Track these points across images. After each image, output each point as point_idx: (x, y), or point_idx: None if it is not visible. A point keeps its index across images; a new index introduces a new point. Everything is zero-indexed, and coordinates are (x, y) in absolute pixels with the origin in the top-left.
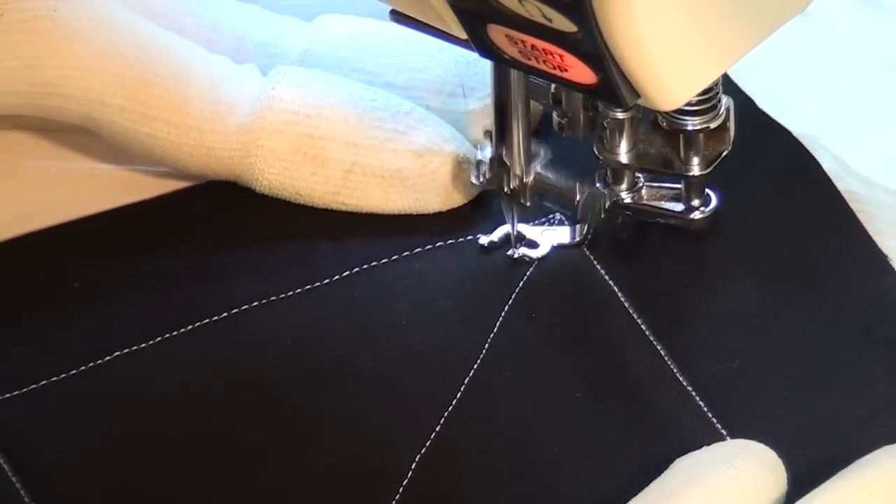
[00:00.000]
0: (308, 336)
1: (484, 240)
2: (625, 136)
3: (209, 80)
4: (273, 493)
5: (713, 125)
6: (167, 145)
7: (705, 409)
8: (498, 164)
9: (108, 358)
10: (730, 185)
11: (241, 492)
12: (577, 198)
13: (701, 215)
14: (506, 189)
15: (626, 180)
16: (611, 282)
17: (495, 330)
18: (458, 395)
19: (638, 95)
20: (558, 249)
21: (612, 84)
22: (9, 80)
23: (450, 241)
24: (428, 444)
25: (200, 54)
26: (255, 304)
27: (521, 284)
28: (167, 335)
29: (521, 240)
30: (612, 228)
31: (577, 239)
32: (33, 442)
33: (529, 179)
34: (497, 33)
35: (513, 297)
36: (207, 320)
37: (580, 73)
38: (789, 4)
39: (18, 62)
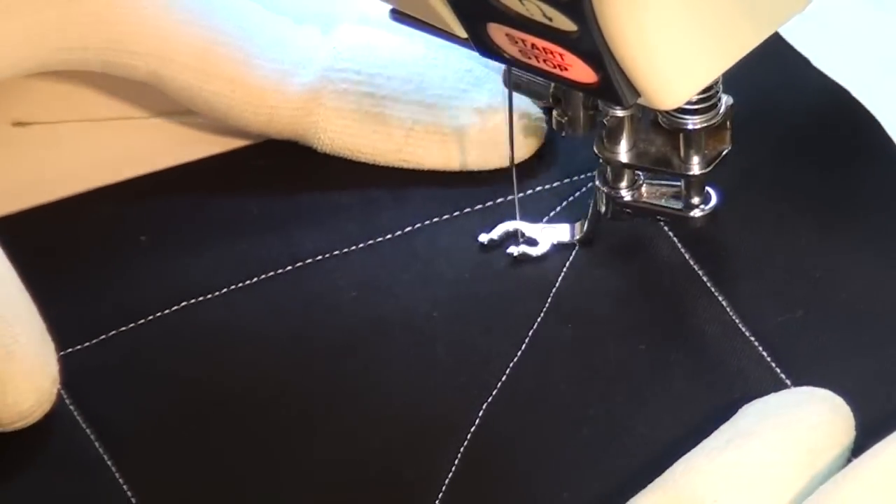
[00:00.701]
0: (371, 289)
1: (483, 237)
2: (625, 134)
3: (273, 40)
4: (340, 441)
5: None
6: (230, 103)
7: (769, 359)
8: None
9: (174, 308)
10: (790, 141)
11: (309, 439)
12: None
13: (701, 213)
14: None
15: (626, 179)
16: (671, 234)
17: (557, 284)
18: (523, 347)
19: (638, 94)
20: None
21: (612, 83)
22: (79, 36)
23: (510, 198)
24: (494, 392)
25: (264, 14)
26: (319, 257)
27: (579, 236)
28: (232, 287)
29: (522, 237)
30: None
31: (577, 237)
32: (103, 392)
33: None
34: (497, 32)
35: (574, 251)
36: (272, 273)
37: (580, 71)
38: (789, 4)
39: (89, 18)
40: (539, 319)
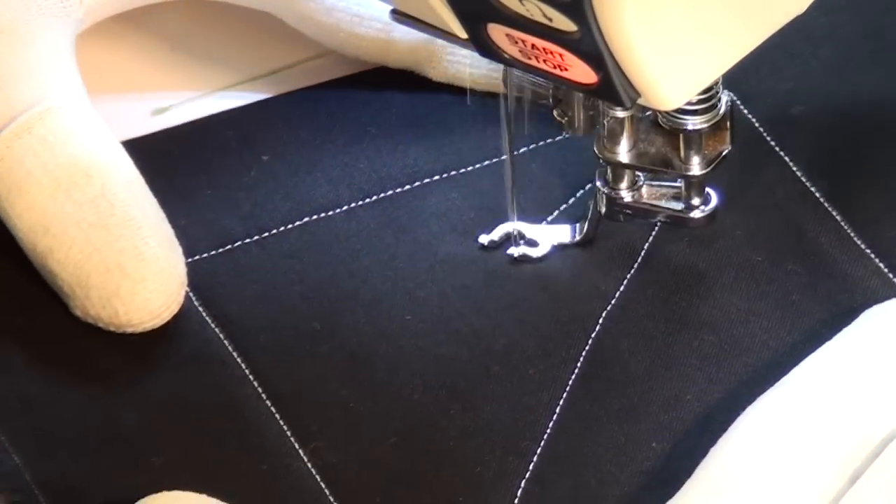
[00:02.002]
0: (488, 209)
1: (484, 238)
2: (625, 135)
3: None
4: (464, 340)
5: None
6: (349, 30)
7: (885, 269)
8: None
9: (297, 223)
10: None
11: (431, 336)
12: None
13: (701, 214)
14: (503, 111)
15: (626, 179)
16: (781, 153)
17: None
18: (639, 260)
19: (638, 95)
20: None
21: (612, 83)
22: None
23: None
24: (612, 302)
25: None
26: (436, 177)
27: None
28: (353, 204)
29: (522, 238)
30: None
31: (578, 238)
32: (230, 295)
33: (528, 97)
34: (497, 33)
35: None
36: (391, 192)
37: (580, 72)
38: (789, 5)
39: None
40: (654, 231)
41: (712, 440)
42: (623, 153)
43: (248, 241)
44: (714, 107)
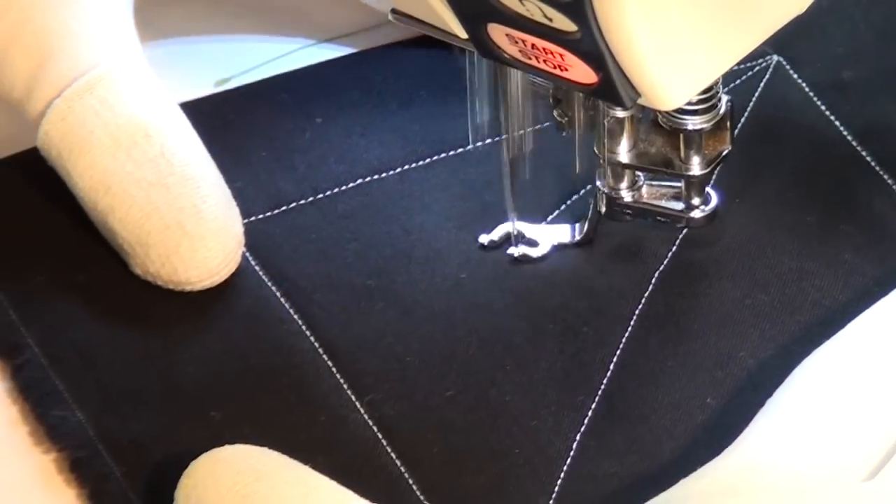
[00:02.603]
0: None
1: (484, 238)
2: (625, 135)
3: None
4: (518, 297)
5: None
6: None
7: None
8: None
9: (350, 185)
10: None
11: (489, 293)
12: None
13: (701, 214)
14: (505, 157)
15: (626, 179)
16: (832, 117)
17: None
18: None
19: (638, 95)
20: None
21: (612, 83)
22: None
23: None
24: (665, 262)
25: None
26: (489, 141)
27: (742, 120)
28: (406, 166)
29: (521, 238)
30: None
31: (578, 238)
32: (286, 255)
33: (529, 147)
34: (497, 33)
35: (739, 126)
36: (444, 154)
37: (580, 72)
38: (789, 4)
39: None
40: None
41: (766, 396)
42: (623, 153)
43: (302, 201)
44: (714, 107)
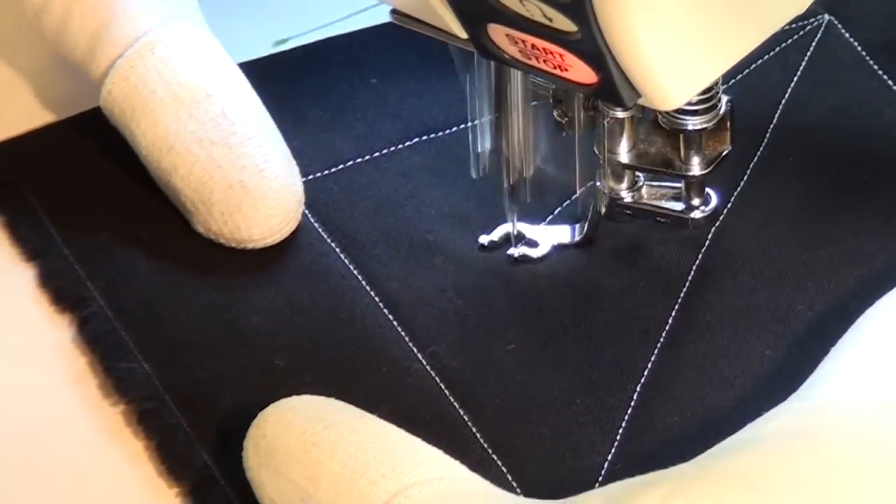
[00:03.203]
0: None
1: (484, 239)
2: (625, 135)
3: None
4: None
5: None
6: None
7: None
8: (498, 156)
9: (408, 143)
10: None
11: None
12: (577, 191)
13: (701, 214)
14: (506, 184)
15: (626, 179)
16: (885, 76)
17: (785, 99)
18: (745, 177)
19: (638, 95)
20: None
21: (612, 84)
22: None
23: None
24: (723, 216)
25: None
26: (535, 104)
27: (794, 80)
28: (463, 126)
29: (521, 239)
30: None
31: (578, 238)
32: (345, 212)
33: (529, 173)
34: (497, 33)
35: (792, 84)
36: (498, 115)
37: (580, 72)
38: (789, 4)
39: None
40: (761, 147)
41: (827, 347)
42: (623, 153)
43: (359, 160)
44: (714, 107)
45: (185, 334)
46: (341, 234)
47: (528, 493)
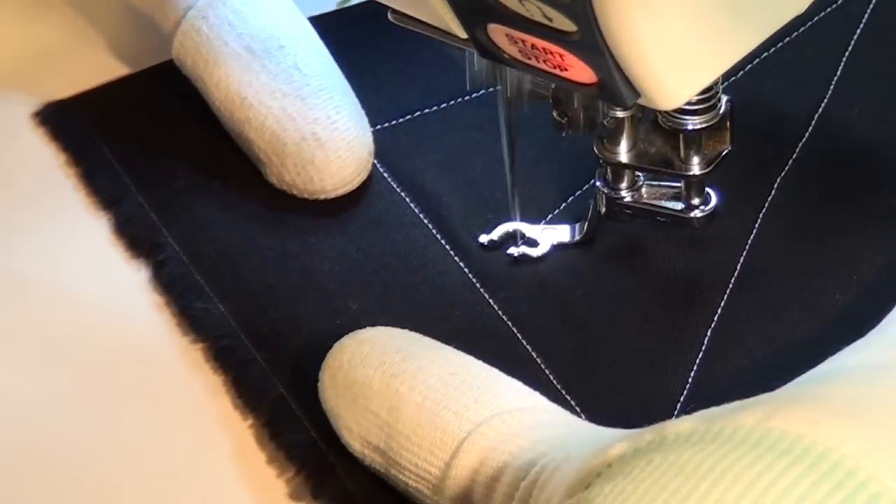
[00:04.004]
0: None
1: (484, 238)
2: (625, 135)
3: None
4: None
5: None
6: None
7: None
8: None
9: (475, 95)
10: None
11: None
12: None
13: (701, 214)
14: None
15: (626, 179)
16: None
17: (847, 54)
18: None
19: (638, 94)
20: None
21: (612, 83)
22: None
23: None
24: (788, 166)
25: None
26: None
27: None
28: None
29: (522, 238)
30: None
31: (577, 237)
32: (413, 163)
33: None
34: (497, 33)
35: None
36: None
37: (580, 72)
38: (789, 4)
39: None
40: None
41: (894, 291)
42: (623, 153)
43: (426, 111)
44: (714, 107)
45: (260, 278)
46: (411, 184)
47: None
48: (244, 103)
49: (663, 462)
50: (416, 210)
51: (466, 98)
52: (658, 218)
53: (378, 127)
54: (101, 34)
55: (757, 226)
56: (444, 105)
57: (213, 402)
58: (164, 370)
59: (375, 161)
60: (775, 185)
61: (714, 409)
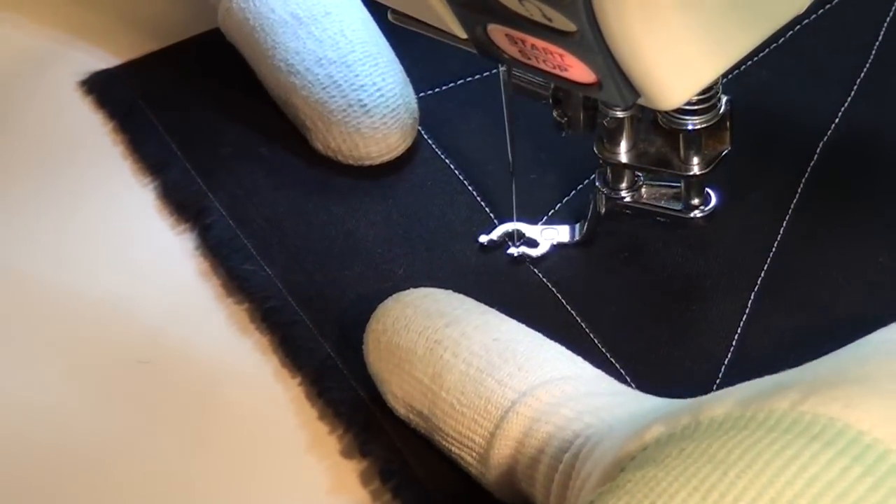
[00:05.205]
0: None
1: (483, 238)
2: (625, 135)
3: None
4: None
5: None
6: None
7: None
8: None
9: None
10: None
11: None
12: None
13: (700, 214)
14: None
15: (625, 179)
16: None
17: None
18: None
19: (638, 94)
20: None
21: (612, 83)
22: None
23: None
24: (833, 127)
25: None
26: None
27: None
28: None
29: (521, 238)
30: None
31: (577, 238)
32: (457, 129)
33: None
34: (497, 33)
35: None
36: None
37: (580, 72)
38: (788, 4)
39: None
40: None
41: None
42: (623, 153)
43: (469, 79)
44: (714, 107)
45: (306, 243)
46: (455, 151)
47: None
48: (291, 70)
49: (695, 450)
50: (461, 177)
51: (493, 71)
52: (658, 218)
53: (422, 94)
54: (149, 3)
55: (799, 190)
56: (486, 73)
57: (263, 361)
58: (212, 331)
59: (420, 128)
60: (818, 148)
61: (751, 389)
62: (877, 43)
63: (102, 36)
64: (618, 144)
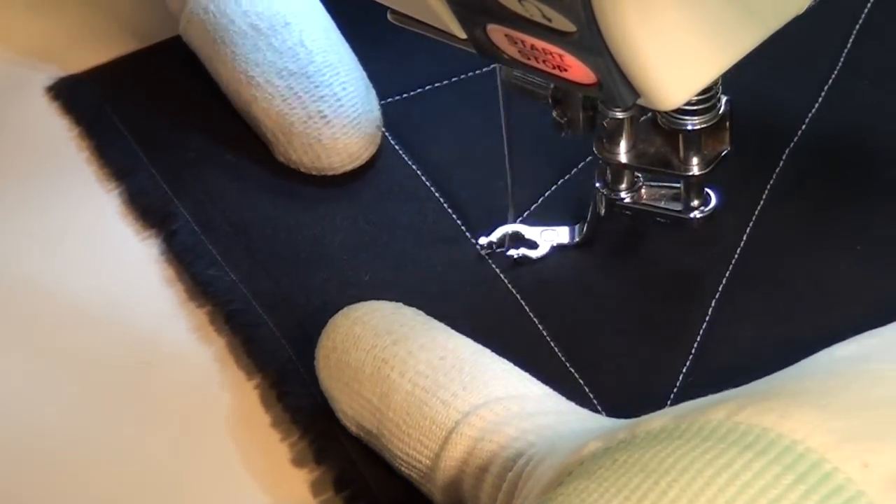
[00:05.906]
0: None
1: (483, 240)
2: (624, 135)
3: None
4: None
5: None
6: None
7: None
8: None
9: (486, 69)
10: None
11: None
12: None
13: (700, 215)
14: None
15: (625, 180)
16: None
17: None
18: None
19: (637, 95)
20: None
21: (611, 83)
22: None
23: None
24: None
25: None
26: None
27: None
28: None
29: (520, 240)
30: None
31: (577, 239)
32: (424, 136)
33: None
34: (497, 33)
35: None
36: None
37: (580, 72)
38: (789, 5)
39: None
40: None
41: None
42: (623, 154)
43: (438, 84)
44: (713, 107)
45: (271, 248)
46: (423, 157)
47: (604, 404)
48: (251, 82)
49: (627, 461)
50: (428, 183)
51: (479, 71)
52: (658, 219)
53: (390, 99)
54: (113, 10)
55: (763, 198)
56: (455, 78)
57: (221, 366)
58: (176, 337)
59: (387, 134)
60: (783, 157)
61: (689, 404)
62: (846, 48)
63: (69, 42)
64: (617, 145)
